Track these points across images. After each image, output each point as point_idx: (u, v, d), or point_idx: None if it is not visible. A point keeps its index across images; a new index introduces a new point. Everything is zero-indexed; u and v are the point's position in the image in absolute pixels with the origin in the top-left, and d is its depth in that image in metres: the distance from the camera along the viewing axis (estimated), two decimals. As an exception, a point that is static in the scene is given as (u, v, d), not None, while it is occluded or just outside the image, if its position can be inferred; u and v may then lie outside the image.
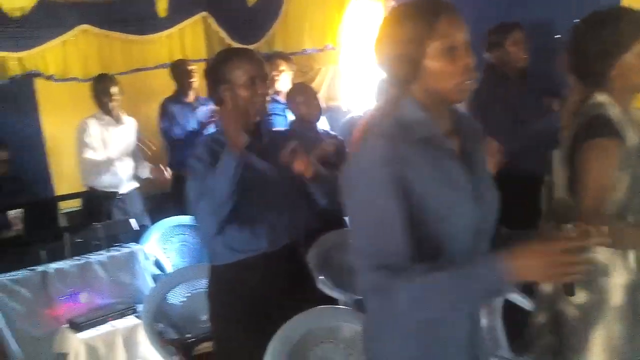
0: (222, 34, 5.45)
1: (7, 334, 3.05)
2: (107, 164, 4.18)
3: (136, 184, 4.42)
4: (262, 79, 2.14)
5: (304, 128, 3.58)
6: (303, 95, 3.65)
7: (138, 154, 4.35)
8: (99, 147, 4.17)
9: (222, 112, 2.14)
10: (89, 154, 4.13)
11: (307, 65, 5.06)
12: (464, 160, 1.41)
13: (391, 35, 1.38)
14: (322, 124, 4.02)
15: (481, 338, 1.53)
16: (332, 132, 3.93)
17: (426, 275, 1.28)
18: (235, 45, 5.25)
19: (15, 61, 4.73)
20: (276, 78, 4.32)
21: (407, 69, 1.36)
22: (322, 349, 2.08)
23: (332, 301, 2.82)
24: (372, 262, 1.32)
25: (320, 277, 2.87)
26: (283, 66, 4.37)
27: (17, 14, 4.71)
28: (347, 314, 2.17)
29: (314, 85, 4.79)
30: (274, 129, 2.99)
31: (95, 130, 4.17)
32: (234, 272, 2.16)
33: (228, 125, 2.03)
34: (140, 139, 4.33)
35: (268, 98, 2.18)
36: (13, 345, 3.05)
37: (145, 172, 4.33)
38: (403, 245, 1.31)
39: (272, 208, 2.13)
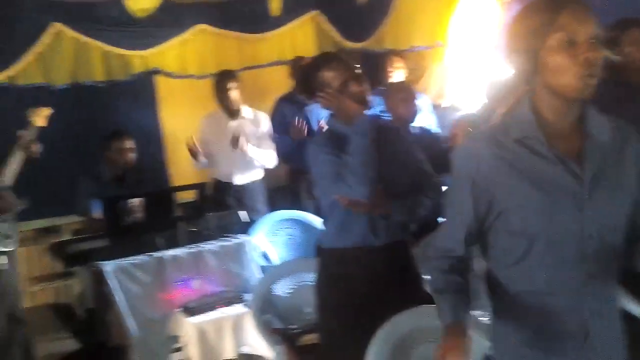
0: (332, 32, 5.51)
1: (127, 314, 3.24)
2: (221, 156, 4.32)
3: (258, 176, 4.52)
4: (356, 80, 2.19)
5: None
6: (403, 93, 3.61)
7: (268, 144, 4.43)
8: (214, 141, 4.33)
9: (329, 100, 2.23)
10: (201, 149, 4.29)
11: (415, 62, 5.01)
12: (577, 163, 1.36)
13: (515, 28, 1.39)
14: (429, 122, 3.98)
15: (610, 338, 1.44)
16: (434, 131, 3.87)
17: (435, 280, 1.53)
18: (345, 43, 5.32)
19: (139, 59, 5.00)
20: (391, 75, 4.30)
21: (526, 61, 1.35)
22: (425, 348, 2.06)
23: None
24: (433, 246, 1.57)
25: (426, 277, 2.85)
26: (398, 63, 4.35)
27: (142, 14, 5.00)
28: (452, 315, 2.14)
29: (421, 83, 4.75)
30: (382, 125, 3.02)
31: (211, 125, 4.33)
32: (342, 263, 2.21)
33: (341, 102, 2.18)
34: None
35: (369, 96, 2.25)
36: (131, 324, 3.24)
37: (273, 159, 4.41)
38: (455, 239, 1.49)
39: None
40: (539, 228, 1.37)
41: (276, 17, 5.37)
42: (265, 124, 4.50)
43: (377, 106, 3.60)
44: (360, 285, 2.18)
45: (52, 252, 4.14)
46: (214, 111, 4.44)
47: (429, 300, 2.42)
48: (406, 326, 2.04)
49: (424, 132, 3.72)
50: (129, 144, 4.18)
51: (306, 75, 2.32)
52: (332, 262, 2.27)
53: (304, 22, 5.51)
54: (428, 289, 1.57)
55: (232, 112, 4.39)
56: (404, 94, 3.59)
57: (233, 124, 4.40)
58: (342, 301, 2.22)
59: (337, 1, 5.51)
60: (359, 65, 2.27)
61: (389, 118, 3.73)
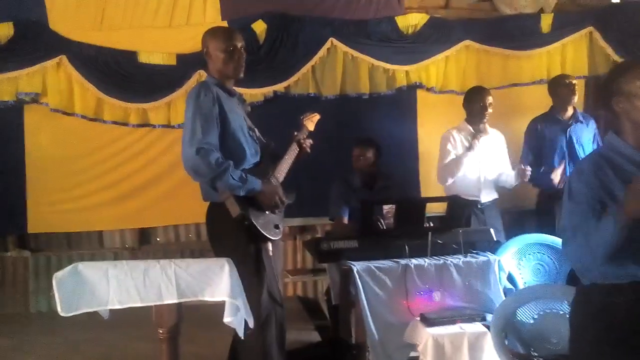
0: (609, 50, 5.12)
1: (367, 315, 3.33)
2: (463, 172, 4.26)
3: (495, 196, 4.43)
4: None
5: None
6: None
7: (506, 165, 4.37)
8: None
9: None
10: (447, 162, 4.28)
11: None
12: None
13: None
14: None
15: None
16: None
17: None
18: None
19: (403, 73, 5.17)
20: None
21: None
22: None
23: None
24: None
25: None
26: None
27: (410, 31, 5.17)
28: None
29: None
30: None
31: (458, 140, 4.31)
32: (604, 296, 2.01)
33: None
34: None
35: None
36: (370, 326, 3.31)
37: (511, 178, 4.29)
38: None
39: None
40: None
41: (546, 34, 5.17)
42: (503, 143, 4.44)
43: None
44: (624, 321, 1.96)
45: (306, 247, 4.45)
46: (461, 125, 4.40)
47: None
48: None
49: None
50: (362, 151, 4.39)
51: (608, 79, 2.10)
52: (592, 295, 2.07)
53: (576, 39, 5.21)
54: None
55: (480, 129, 4.31)
56: None
57: (478, 140, 4.30)
58: (601, 336, 2.01)
59: (617, 17, 5.11)
60: None
61: None
